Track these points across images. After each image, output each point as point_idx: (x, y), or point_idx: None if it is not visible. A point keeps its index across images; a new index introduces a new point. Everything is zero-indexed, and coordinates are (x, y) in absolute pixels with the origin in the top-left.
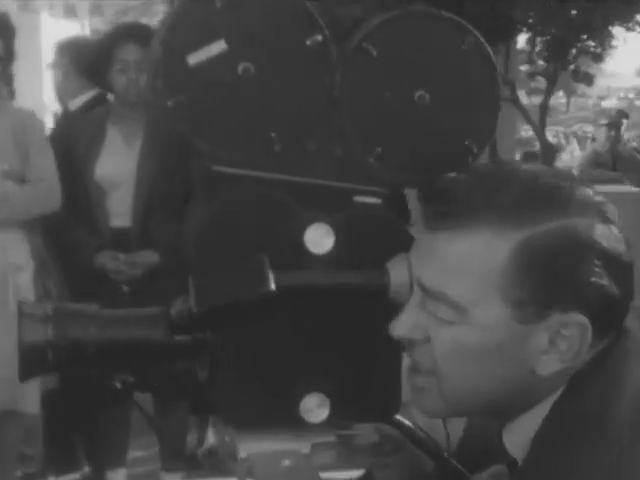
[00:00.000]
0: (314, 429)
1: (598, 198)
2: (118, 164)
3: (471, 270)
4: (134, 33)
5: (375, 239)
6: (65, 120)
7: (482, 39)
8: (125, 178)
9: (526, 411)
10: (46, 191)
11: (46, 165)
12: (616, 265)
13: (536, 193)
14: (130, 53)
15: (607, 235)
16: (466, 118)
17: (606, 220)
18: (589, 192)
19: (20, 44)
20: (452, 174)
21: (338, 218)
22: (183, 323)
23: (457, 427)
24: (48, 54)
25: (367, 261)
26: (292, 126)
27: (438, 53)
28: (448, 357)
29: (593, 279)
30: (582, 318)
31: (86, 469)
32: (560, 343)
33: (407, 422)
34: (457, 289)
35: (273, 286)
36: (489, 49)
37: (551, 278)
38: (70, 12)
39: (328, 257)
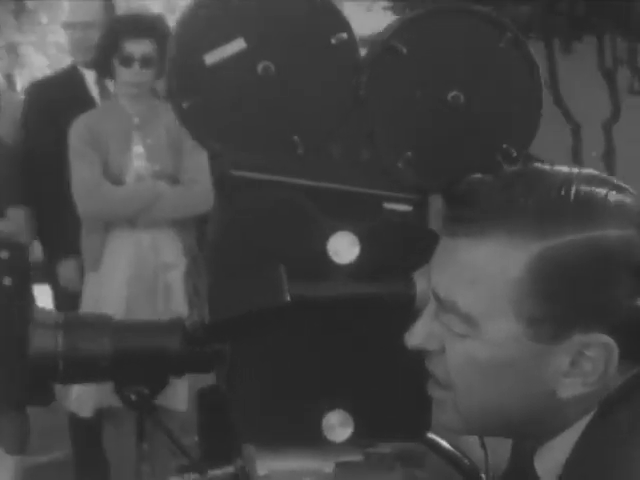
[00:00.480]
0: (340, 448)
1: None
2: None
3: (483, 280)
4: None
5: (404, 248)
6: None
7: (521, 36)
8: None
9: (555, 435)
10: (199, 192)
11: (199, 166)
12: None
13: (564, 200)
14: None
15: None
16: (504, 120)
17: None
18: (629, 201)
19: None
20: (478, 176)
21: (365, 226)
22: (198, 334)
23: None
24: None
25: (396, 272)
26: (315, 129)
27: (473, 51)
28: (460, 371)
29: (622, 298)
30: (607, 339)
31: (239, 462)
32: (584, 365)
33: (441, 441)
34: (468, 300)
35: (287, 297)
36: (529, 47)
37: (571, 295)
38: None
39: (353, 267)
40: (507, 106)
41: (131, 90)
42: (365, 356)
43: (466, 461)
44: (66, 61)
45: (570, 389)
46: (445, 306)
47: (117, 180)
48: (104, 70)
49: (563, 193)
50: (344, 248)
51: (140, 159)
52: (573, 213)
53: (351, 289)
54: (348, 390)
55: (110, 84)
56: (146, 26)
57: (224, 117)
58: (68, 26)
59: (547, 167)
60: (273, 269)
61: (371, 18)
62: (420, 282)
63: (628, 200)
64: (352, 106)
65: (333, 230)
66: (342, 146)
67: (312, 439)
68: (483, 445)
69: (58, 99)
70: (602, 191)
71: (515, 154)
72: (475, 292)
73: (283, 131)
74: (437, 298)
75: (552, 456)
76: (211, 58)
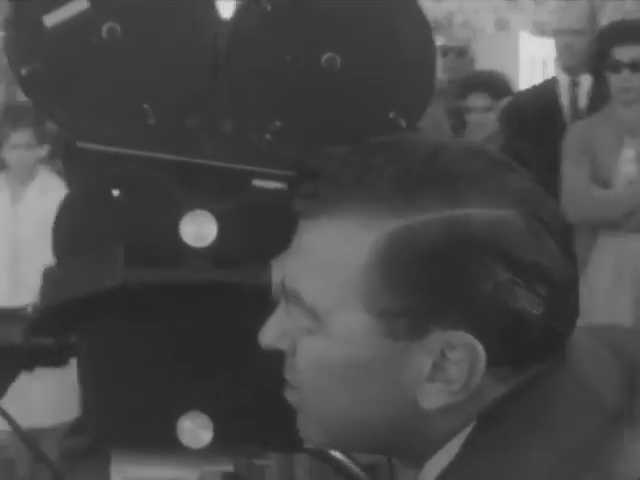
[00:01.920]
0: (207, 456)
1: (530, 189)
2: None
3: (328, 268)
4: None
5: (273, 231)
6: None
7: None
8: None
9: (431, 455)
10: None
11: None
12: (537, 277)
13: (425, 173)
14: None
15: (525, 237)
16: (390, 86)
17: (532, 218)
18: (511, 179)
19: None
20: (335, 148)
21: (226, 206)
22: (41, 323)
23: None
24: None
25: (258, 259)
26: (168, 97)
27: (353, 8)
28: (308, 373)
29: (488, 291)
30: (471, 339)
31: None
32: (449, 369)
33: (336, 454)
34: (312, 291)
35: (120, 281)
36: (421, 6)
37: (426, 284)
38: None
39: (209, 251)
40: (393, 71)
41: (622, 96)
42: (224, 353)
43: (359, 472)
44: None
45: (433, 397)
46: (290, 298)
47: (605, 184)
48: (595, 76)
49: (426, 165)
50: (199, 229)
51: (630, 163)
52: (433, 188)
53: (201, 276)
54: (206, 390)
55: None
56: (636, 31)
57: (68, 84)
58: (556, 32)
59: (418, 137)
60: (111, 250)
61: None
62: (278, 271)
63: (510, 178)
64: (211, 71)
65: (187, 209)
66: (201, 116)
67: (167, 444)
68: (389, 460)
69: (533, 107)
70: (476, 165)
71: (404, 125)
72: (319, 281)
73: (131, 99)
74: (284, 288)
75: (430, 475)
76: (51, 19)
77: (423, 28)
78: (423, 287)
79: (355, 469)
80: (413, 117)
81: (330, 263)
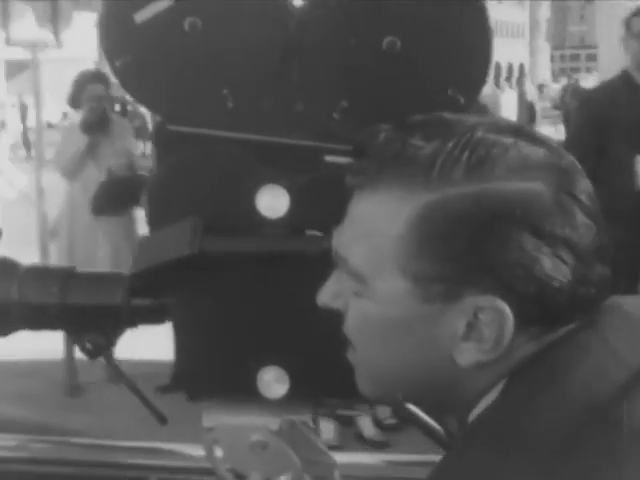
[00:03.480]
0: (286, 406)
1: (564, 163)
2: None
3: (370, 236)
4: None
5: (340, 203)
6: None
7: None
8: None
9: (467, 412)
10: None
11: None
12: (562, 246)
13: (460, 148)
14: None
15: (552, 208)
16: (448, 64)
17: (561, 191)
18: (543, 154)
19: None
20: (381, 125)
21: (297, 180)
22: (137, 286)
23: None
24: None
25: (328, 228)
26: (245, 82)
27: None
28: (357, 331)
29: (518, 258)
30: (499, 303)
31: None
32: (482, 329)
33: (415, 409)
34: (357, 256)
35: (194, 250)
36: None
37: (457, 252)
38: None
39: (282, 221)
40: (451, 50)
41: None
42: (299, 313)
43: (441, 431)
44: None
45: (468, 355)
46: (340, 263)
47: None
48: None
49: (461, 140)
50: (273, 201)
51: None
52: (467, 162)
53: (277, 244)
54: (282, 347)
55: None
56: None
57: (155, 74)
58: None
59: (458, 115)
60: (191, 221)
61: None
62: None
63: (542, 153)
64: (283, 56)
65: (263, 183)
66: (275, 98)
67: (248, 394)
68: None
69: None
70: (509, 141)
71: (462, 101)
72: (363, 248)
73: (212, 86)
74: (336, 255)
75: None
76: (141, 16)
77: (479, 7)
78: (454, 256)
79: (430, 421)
80: (471, 93)
81: (372, 232)
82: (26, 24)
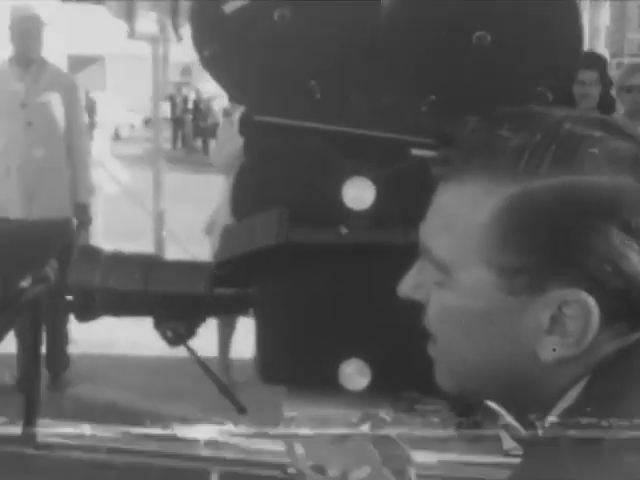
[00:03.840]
0: (366, 399)
1: None
2: None
3: (455, 227)
4: None
5: (425, 196)
6: None
7: None
8: None
9: (552, 406)
10: None
11: None
12: None
13: (547, 141)
14: None
15: (638, 202)
16: (537, 61)
17: None
18: (635, 148)
19: None
20: (469, 118)
21: (383, 173)
22: (221, 275)
23: None
24: None
25: (413, 221)
26: (332, 74)
27: None
28: (439, 322)
29: (605, 253)
30: (585, 296)
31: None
32: (567, 323)
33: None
34: (441, 247)
35: (281, 240)
36: None
37: (543, 244)
38: None
39: (368, 214)
40: (540, 46)
41: None
42: (382, 307)
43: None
44: None
45: (551, 349)
46: (424, 253)
47: None
48: None
49: (549, 133)
50: (359, 193)
51: None
52: (554, 155)
53: (363, 236)
54: (365, 340)
55: None
56: None
57: (242, 64)
58: None
59: (542, 108)
60: (274, 211)
61: None
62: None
63: (630, 147)
64: (371, 50)
65: (349, 175)
66: (362, 91)
67: (330, 385)
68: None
69: None
70: (596, 134)
71: (551, 98)
72: (448, 239)
73: (300, 77)
74: (420, 245)
75: None
76: (230, 7)
77: (571, 4)
78: (539, 248)
79: (512, 420)
80: (560, 90)
81: (456, 223)
82: (149, 19)
